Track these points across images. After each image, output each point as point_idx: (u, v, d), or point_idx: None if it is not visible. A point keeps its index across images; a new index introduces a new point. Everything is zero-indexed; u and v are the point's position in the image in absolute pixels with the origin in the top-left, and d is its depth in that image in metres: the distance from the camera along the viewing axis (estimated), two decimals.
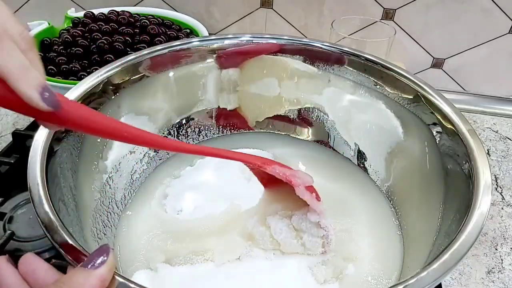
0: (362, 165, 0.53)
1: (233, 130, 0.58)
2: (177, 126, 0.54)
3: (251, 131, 0.58)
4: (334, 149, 0.55)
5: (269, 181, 0.42)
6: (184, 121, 0.55)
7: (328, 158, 0.54)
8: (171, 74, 0.51)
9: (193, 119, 0.55)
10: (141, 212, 0.46)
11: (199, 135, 0.56)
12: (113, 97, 0.46)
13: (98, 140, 0.45)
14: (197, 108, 0.55)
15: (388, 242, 0.44)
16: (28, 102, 0.24)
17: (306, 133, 0.58)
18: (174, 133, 0.54)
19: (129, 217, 0.46)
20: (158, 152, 0.53)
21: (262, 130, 0.58)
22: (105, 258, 0.26)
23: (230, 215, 0.43)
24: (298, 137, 0.58)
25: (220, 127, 0.57)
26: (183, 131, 0.55)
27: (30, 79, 0.24)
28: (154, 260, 0.40)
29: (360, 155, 0.53)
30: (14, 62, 0.24)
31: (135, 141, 0.32)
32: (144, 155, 0.51)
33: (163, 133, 0.53)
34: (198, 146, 0.43)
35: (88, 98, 0.43)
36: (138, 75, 0.49)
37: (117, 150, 0.48)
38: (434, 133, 0.44)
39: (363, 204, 0.47)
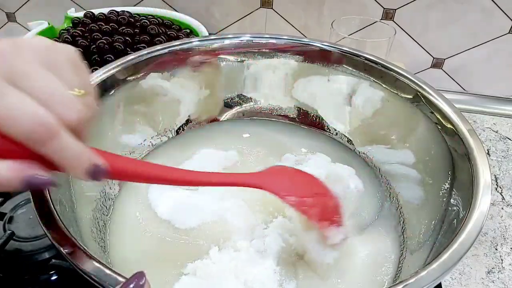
0: (366, 158, 0.52)
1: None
2: (176, 128, 0.55)
3: (255, 118, 0.58)
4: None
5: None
6: (184, 122, 0.55)
7: (331, 146, 0.55)
8: (170, 74, 0.51)
9: (195, 119, 0.56)
10: (134, 214, 0.45)
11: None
12: (112, 97, 0.46)
13: (98, 140, 0.45)
14: (199, 107, 0.56)
15: (386, 239, 0.44)
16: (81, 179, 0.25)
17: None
18: (173, 134, 0.54)
19: (121, 219, 0.45)
20: (157, 150, 0.53)
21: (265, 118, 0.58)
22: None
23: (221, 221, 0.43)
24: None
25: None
26: (181, 130, 0.55)
27: (82, 166, 0.24)
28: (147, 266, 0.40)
29: (363, 150, 0.53)
30: (68, 154, 0.24)
31: (174, 183, 0.33)
32: (143, 158, 0.51)
33: (163, 134, 0.53)
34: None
35: None
36: (138, 75, 0.49)
37: (117, 151, 0.48)
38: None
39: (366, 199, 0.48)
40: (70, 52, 0.26)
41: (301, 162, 0.49)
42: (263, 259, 0.39)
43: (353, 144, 0.54)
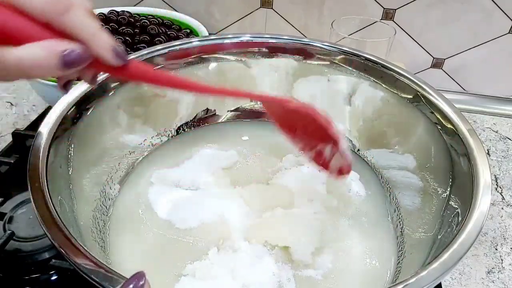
0: (366, 158, 0.52)
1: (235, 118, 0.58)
2: (175, 128, 0.55)
3: (252, 119, 0.58)
4: None
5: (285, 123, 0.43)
6: (184, 122, 0.55)
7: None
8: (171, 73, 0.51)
9: (194, 119, 0.56)
10: (134, 214, 0.45)
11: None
12: (113, 98, 0.46)
13: (98, 141, 0.45)
14: (198, 108, 0.56)
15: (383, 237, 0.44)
16: (105, 61, 0.28)
17: None
18: (173, 134, 0.54)
19: (121, 219, 0.45)
20: (157, 150, 0.53)
21: (261, 119, 0.58)
22: None
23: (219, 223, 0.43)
24: None
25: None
26: (181, 130, 0.55)
27: (103, 42, 0.27)
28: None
29: (363, 151, 0.53)
30: (89, 28, 0.27)
31: (184, 88, 0.36)
32: (143, 158, 0.51)
33: (163, 134, 0.53)
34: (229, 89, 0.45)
35: (88, 98, 0.43)
36: None
37: (117, 151, 0.48)
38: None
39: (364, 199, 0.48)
40: None
41: (303, 163, 0.50)
42: (261, 261, 0.39)
43: (353, 144, 0.54)
